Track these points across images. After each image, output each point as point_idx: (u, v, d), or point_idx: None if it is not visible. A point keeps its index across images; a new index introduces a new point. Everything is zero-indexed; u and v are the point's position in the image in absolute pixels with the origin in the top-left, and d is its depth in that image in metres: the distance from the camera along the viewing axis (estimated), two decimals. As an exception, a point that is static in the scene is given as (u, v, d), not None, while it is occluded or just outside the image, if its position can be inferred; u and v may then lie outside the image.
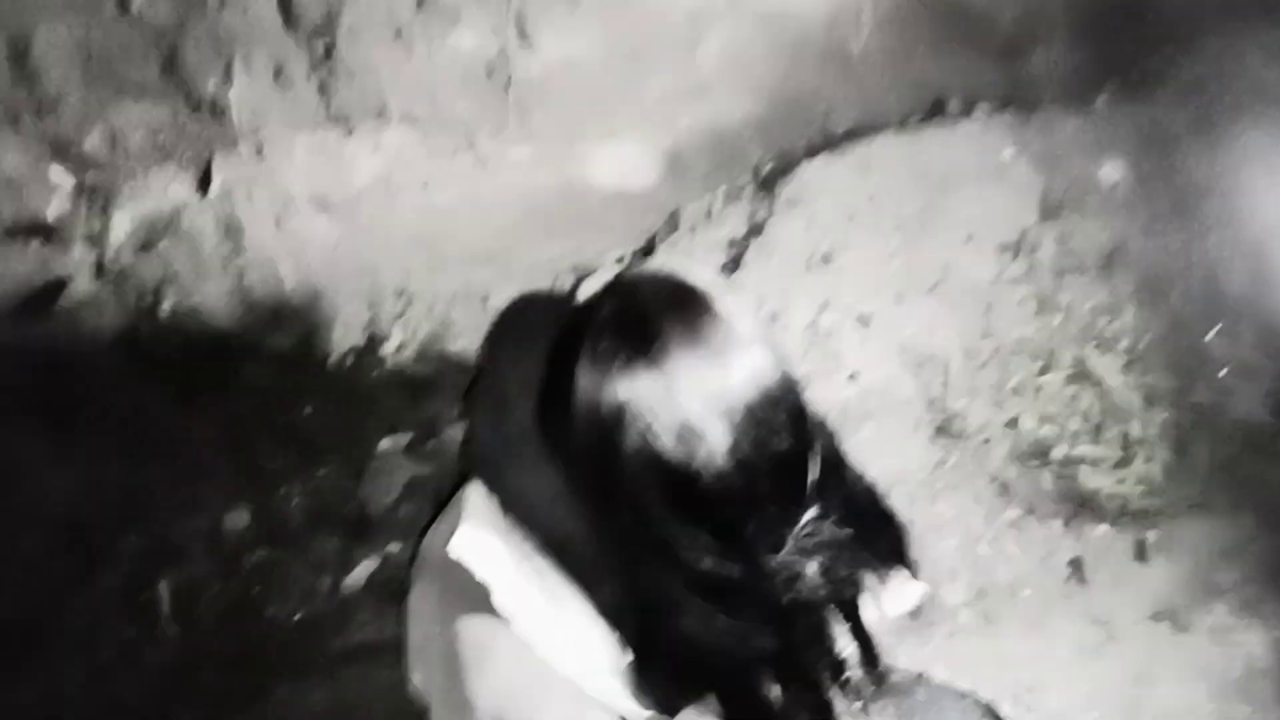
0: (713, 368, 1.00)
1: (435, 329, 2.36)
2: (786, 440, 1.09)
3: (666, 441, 1.02)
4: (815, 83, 2.42)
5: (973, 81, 2.31)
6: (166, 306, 2.36)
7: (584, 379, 1.01)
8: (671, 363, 0.99)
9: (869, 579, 1.23)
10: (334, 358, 2.33)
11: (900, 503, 1.92)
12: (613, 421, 1.00)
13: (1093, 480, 1.92)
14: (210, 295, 2.35)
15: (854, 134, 2.34)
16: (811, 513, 1.13)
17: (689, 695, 1.15)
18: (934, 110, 2.31)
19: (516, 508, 1.14)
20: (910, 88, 2.38)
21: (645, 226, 2.41)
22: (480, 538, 1.14)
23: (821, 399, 2.05)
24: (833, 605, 1.17)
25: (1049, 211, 2.06)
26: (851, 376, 2.06)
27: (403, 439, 2.22)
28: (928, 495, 2.06)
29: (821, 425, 1.16)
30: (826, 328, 2.09)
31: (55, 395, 2.12)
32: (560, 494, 1.11)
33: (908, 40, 2.38)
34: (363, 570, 2.05)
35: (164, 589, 2.07)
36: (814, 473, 1.12)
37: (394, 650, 1.16)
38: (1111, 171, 2.04)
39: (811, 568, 1.12)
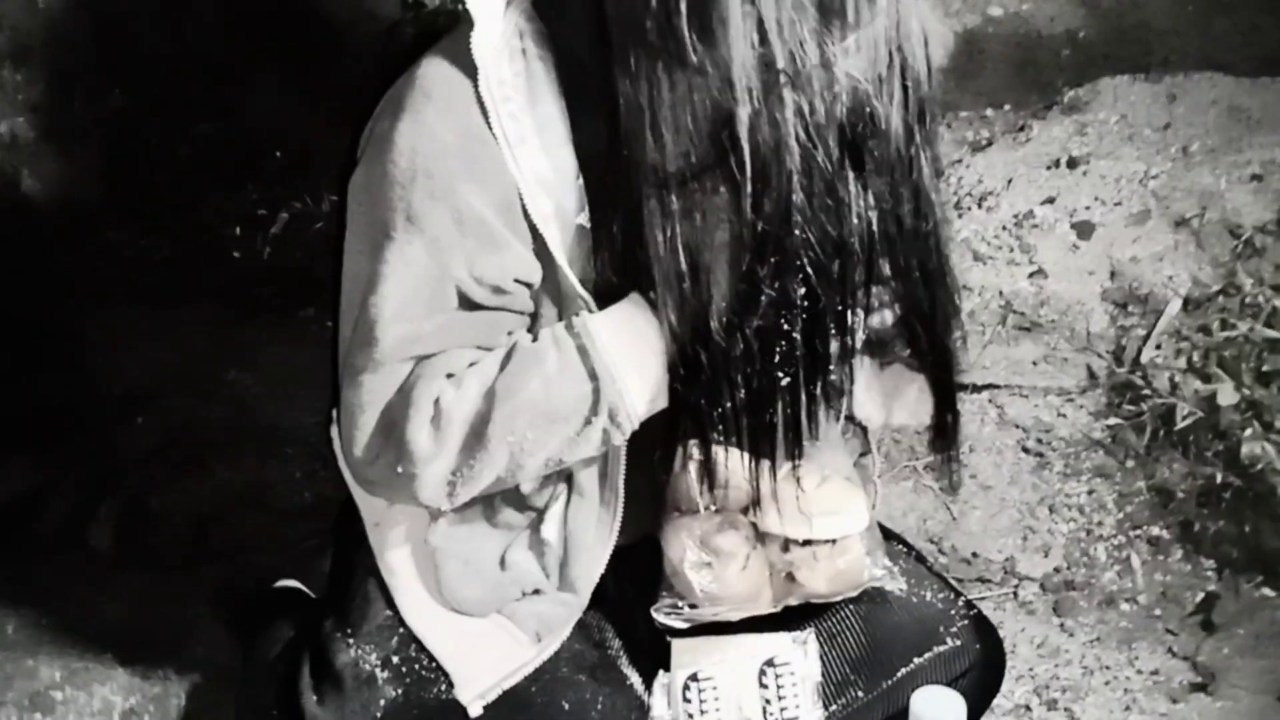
0: None
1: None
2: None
3: None
4: (1160, 15, 2.08)
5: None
6: None
7: None
8: None
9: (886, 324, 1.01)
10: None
11: (1025, 458, 1.63)
12: None
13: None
14: None
15: (1174, 66, 1.95)
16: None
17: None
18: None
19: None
20: (1265, 41, 1.98)
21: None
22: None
23: (989, 283, 1.74)
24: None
25: (1376, 179, 1.61)
26: (1037, 272, 1.68)
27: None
28: (1064, 463, 1.65)
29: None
30: (1037, 220, 1.73)
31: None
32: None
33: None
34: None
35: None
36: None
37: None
38: None
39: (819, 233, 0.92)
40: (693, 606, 1.10)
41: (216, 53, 2.19)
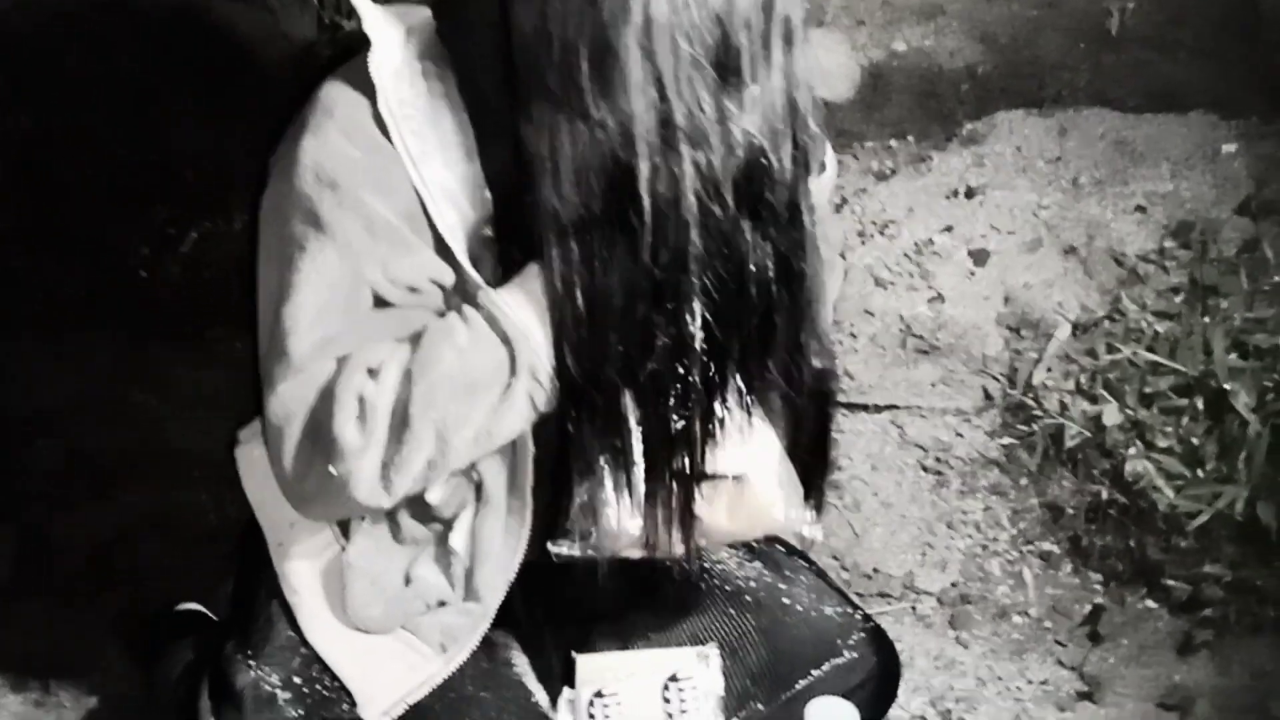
0: None
1: None
2: None
3: None
4: (1053, 52, 2.18)
5: (1227, 89, 2.00)
6: None
7: None
8: None
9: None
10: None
11: (924, 477, 1.69)
12: None
13: (1165, 505, 1.52)
14: None
15: (1066, 101, 2.05)
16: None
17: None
18: (1166, 105, 2.00)
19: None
20: (1151, 78, 2.09)
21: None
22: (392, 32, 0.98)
23: (890, 307, 1.80)
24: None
25: (1247, 211, 1.70)
26: (936, 298, 1.75)
27: None
28: (961, 481, 1.71)
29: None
30: (936, 248, 1.80)
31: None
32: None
33: (1169, 32, 2.10)
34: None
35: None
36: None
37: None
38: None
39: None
40: (584, 538, 1.08)
41: (128, 71, 2.17)
